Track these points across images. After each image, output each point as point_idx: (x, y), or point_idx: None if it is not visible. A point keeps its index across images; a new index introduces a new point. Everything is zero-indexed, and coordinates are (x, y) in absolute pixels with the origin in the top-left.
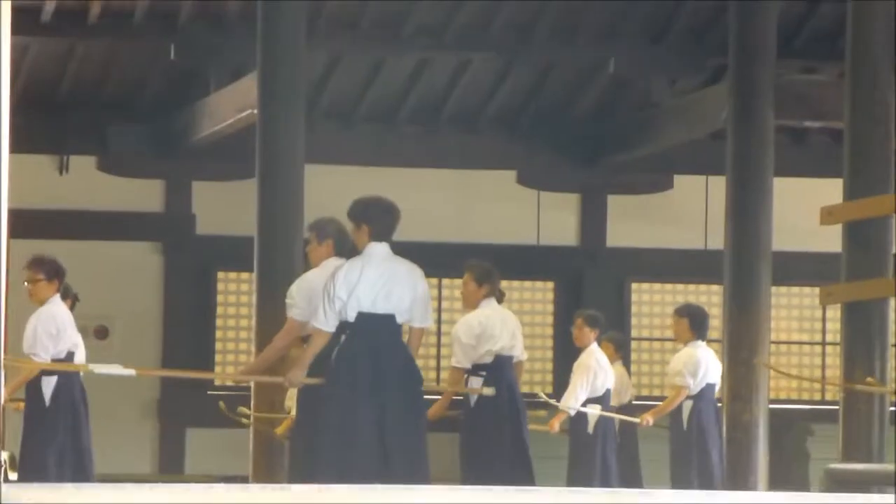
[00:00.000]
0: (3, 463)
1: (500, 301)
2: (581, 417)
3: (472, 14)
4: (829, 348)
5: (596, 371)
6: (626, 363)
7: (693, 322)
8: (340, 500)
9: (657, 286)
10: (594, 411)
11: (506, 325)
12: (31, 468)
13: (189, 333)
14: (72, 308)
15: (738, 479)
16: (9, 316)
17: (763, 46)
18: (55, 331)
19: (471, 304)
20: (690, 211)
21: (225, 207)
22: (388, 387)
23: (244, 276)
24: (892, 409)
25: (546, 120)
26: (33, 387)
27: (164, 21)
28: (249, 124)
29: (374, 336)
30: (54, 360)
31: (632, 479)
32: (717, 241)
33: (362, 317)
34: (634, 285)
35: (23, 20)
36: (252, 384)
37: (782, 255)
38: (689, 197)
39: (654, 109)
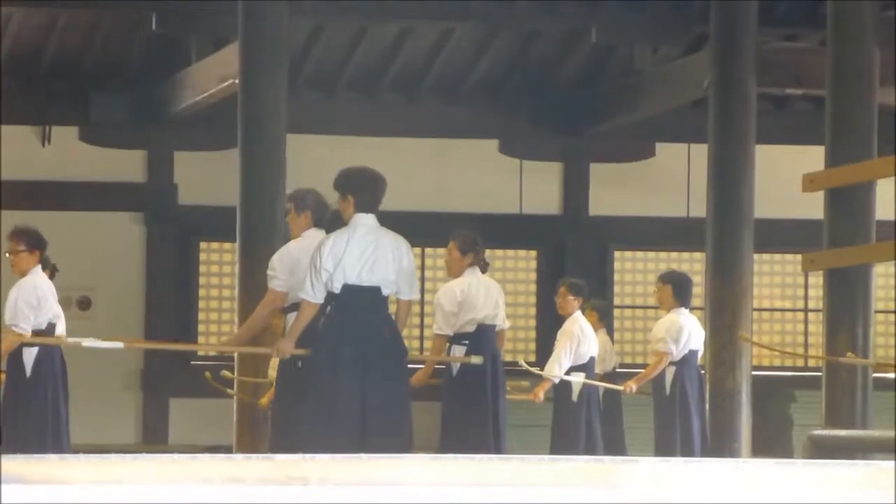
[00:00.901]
0: None
1: (483, 271)
2: (565, 386)
3: None
4: (811, 315)
5: (580, 338)
6: (610, 331)
7: (677, 289)
8: (325, 469)
9: (640, 254)
10: (578, 379)
11: (489, 294)
12: (11, 439)
13: (172, 303)
14: (51, 278)
15: (722, 445)
16: None
17: (744, 14)
18: (36, 301)
19: (455, 272)
20: (673, 179)
21: (207, 177)
22: (372, 358)
23: (226, 245)
24: (875, 375)
25: (528, 89)
26: (14, 358)
27: None
28: (231, 94)
29: (359, 308)
30: (35, 332)
31: (616, 447)
32: (699, 209)
33: (348, 289)
34: (617, 253)
35: None
36: (235, 354)
37: (764, 222)
38: (672, 165)
39: (636, 77)
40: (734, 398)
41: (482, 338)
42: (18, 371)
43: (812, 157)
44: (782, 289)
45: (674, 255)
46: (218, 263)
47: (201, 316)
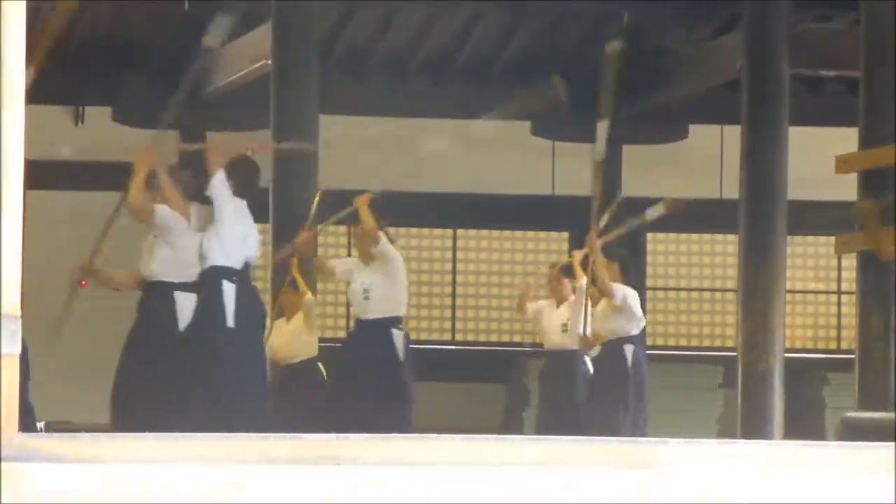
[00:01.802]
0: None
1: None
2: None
3: None
4: (844, 297)
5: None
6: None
7: (624, 267)
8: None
9: (672, 236)
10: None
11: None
12: None
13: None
14: None
15: (754, 428)
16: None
17: None
18: None
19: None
20: (706, 160)
21: None
22: (238, 332)
23: (259, 226)
24: None
25: (561, 70)
26: None
27: None
28: (263, 75)
29: (226, 288)
30: None
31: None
32: (732, 191)
33: (215, 269)
34: (650, 235)
35: None
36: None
37: (797, 204)
38: (705, 146)
39: (669, 59)
40: (767, 380)
41: None
42: None
43: (845, 139)
44: (815, 271)
45: (706, 237)
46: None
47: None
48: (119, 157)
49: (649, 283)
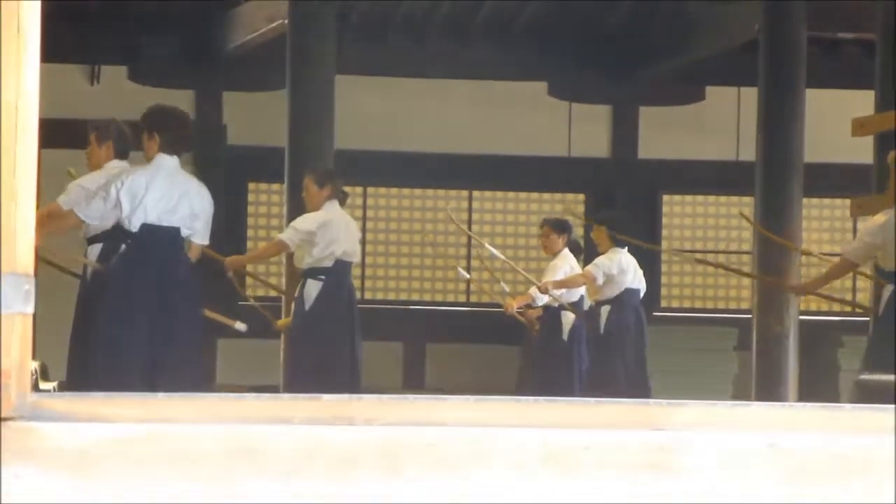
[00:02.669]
0: (34, 372)
1: (342, 204)
2: (556, 324)
3: None
4: None
5: (569, 274)
6: (657, 273)
7: (611, 230)
8: (371, 409)
9: (689, 198)
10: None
11: (348, 229)
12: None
13: (220, 244)
14: None
15: (769, 390)
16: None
17: None
18: None
19: (314, 207)
20: (722, 122)
21: (256, 118)
22: (168, 298)
23: (275, 186)
24: None
25: (578, 31)
26: None
27: None
28: (280, 34)
29: (157, 248)
30: None
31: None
32: (748, 153)
33: (147, 228)
34: (666, 197)
35: None
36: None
37: (813, 166)
38: (721, 108)
39: (686, 20)
40: (781, 343)
41: (340, 273)
42: None
43: (862, 102)
44: (831, 233)
45: (722, 198)
46: (266, 204)
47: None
48: (135, 115)
49: (665, 244)
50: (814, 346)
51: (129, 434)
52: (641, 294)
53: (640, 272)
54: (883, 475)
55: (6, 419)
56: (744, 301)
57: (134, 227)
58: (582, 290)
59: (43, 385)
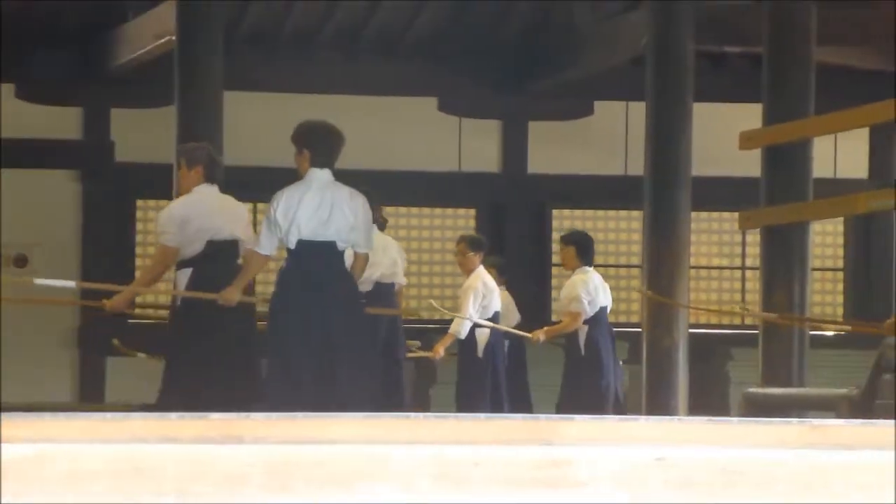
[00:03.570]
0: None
1: (381, 228)
2: (471, 342)
3: None
4: (748, 273)
5: (483, 293)
6: (547, 288)
7: (580, 248)
8: (260, 428)
9: (578, 212)
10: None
11: (386, 252)
12: None
13: (108, 261)
14: None
15: (659, 403)
16: None
17: None
18: None
19: None
20: (611, 137)
21: (143, 135)
22: (331, 313)
23: (163, 203)
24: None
25: (467, 46)
26: None
27: None
28: (168, 51)
29: (313, 263)
30: None
31: (521, 404)
32: (637, 167)
33: (302, 244)
34: (555, 211)
35: None
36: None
37: (702, 180)
38: (610, 123)
39: (574, 35)
40: (671, 356)
41: (380, 295)
42: None
43: (749, 115)
44: (720, 246)
45: (611, 213)
46: (155, 221)
47: (138, 275)
48: (22, 133)
49: (555, 259)
50: (704, 359)
51: (16, 455)
52: (608, 310)
53: (607, 287)
54: (769, 487)
55: None
56: (633, 315)
57: (291, 243)
58: (497, 307)
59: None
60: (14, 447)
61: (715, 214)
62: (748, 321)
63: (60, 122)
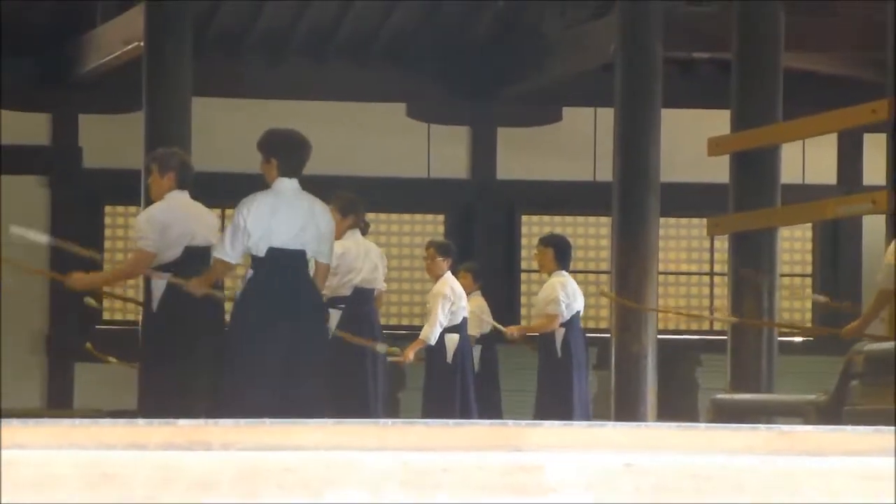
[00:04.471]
0: None
1: (364, 233)
2: (440, 347)
3: None
4: (717, 279)
5: (452, 299)
6: (515, 294)
7: (558, 252)
8: (227, 434)
9: (547, 218)
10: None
11: (368, 257)
12: None
13: (76, 267)
14: None
15: (628, 409)
16: None
17: None
18: None
19: (336, 235)
20: (579, 143)
21: (112, 140)
22: (299, 321)
23: (132, 209)
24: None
25: (435, 52)
26: None
27: None
28: (136, 56)
29: (284, 271)
30: None
31: (491, 410)
32: (605, 173)
33: (273, 252)
34: (524, 217)
35: None
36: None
37: (670, 186)
38: (579, 129)
39: (543, 41)
40: (640, 362)
41: (360, 300)
42: None
43: (718, 121)
44: (688, 252)
45: (580, 219)
46: (123, 227)
47: (110, 269)
48: None
49: (524, 265)
50: (672, 364)
51: None
52: (580, 315)
53: (580, 292)
54: (738, 493)
55: None
56: (602, 320)
57: (261, 251)
58: (465, 313)
59: None
60: None
61: (684, 220)
62: (717, 327)
63: (28, 128)
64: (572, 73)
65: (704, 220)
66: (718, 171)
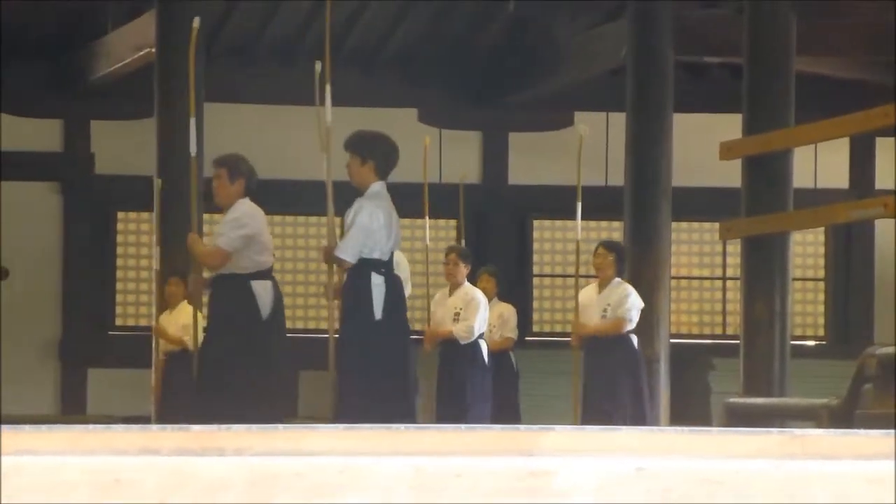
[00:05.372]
0: None
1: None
2: (478, 350)
3: None
4: (729, 283)
5: (486, 305)
6: (528, 299)
7: (619, 259)
8: (240, 439)
9: (558, 223)
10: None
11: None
12: None
13: (89, 273)
14: None
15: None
16: None
17: None
18: None
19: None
20: (591, 148)
21: (124, 147)
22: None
23: (144, 215)
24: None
25: (447, 58)
26: None
27: None
28: (147, 63)
29: (395, 277)
30: None
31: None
32: (617, 178)
33: (388, 258)
34: (536, 222)
35: None
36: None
37: (682, 190)
38: (590, 134)
39: (554, 47)
40: (653, 366)
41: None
42: None
43: (729, 126)
44: (700, 257)
45: (592, 223)
46: (135, 233)
47: (119, 286)
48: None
49: (535, 269)
50: (685, 369)
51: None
52: None
53: None
54: (750, 497)
55: None
56: None
57: (385, 255)
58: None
59: None
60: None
61: (695, 224)
62: (730, 331)
63: (40, 135)
64: (584, 77)
65: (717, 225)
66: (730, 175)
